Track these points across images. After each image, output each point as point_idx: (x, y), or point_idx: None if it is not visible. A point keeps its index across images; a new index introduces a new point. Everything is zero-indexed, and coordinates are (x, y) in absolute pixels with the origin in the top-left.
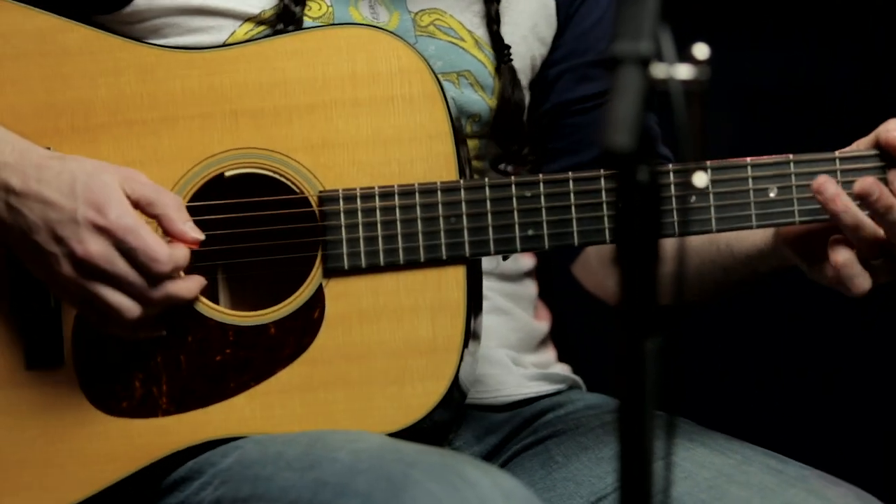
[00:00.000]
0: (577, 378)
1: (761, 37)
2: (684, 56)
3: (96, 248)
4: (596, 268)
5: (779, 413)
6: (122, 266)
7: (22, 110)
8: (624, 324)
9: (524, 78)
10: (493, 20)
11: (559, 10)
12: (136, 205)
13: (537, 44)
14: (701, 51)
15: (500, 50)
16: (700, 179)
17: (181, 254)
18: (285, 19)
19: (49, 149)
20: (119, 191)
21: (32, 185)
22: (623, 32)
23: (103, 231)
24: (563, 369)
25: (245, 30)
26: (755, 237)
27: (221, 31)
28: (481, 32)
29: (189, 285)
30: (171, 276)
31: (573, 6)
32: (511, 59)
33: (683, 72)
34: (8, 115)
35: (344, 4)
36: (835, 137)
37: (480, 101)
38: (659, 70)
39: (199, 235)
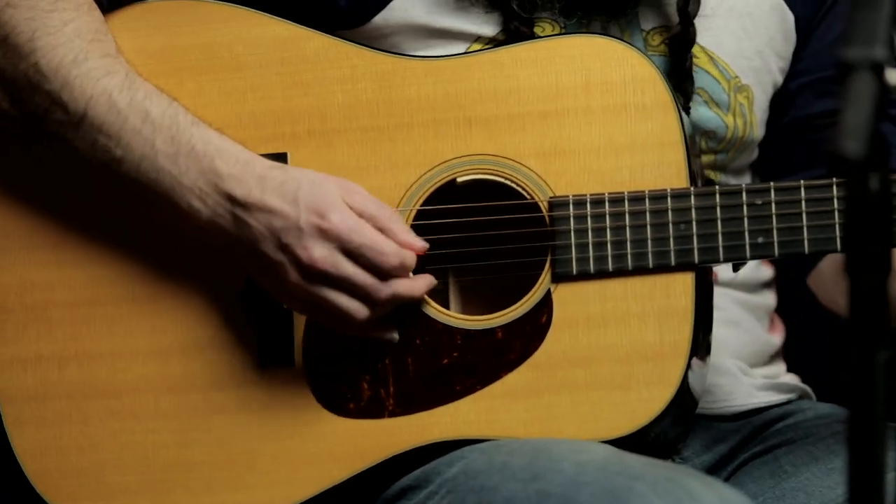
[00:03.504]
0: (807, 387)
1: None
2: None
3: (320, 253)
4: (829, 281)
5: None
6: (347, 268)
7: (262, 116)
8: (854, 335)
9: (762, 93)
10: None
11: (799, 24)
12: (359, 216)
13: (774, 57)
14: None
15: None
16: None
17: (408, 254)
18: (518, 39)
19: (286, 154)
20: (340, 198)
21: (256, 194)
22: (856, 38)
23: (327, 234)
24: (792, 379)
25: (478, 47)
26: None
27: (456, 49)
28: (709, 44)
29: (416, 284)
30: (398, 275)
31: (815, 20)
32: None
33: None
34: (248, 120)
35: (575, 27)
36: None
37: (716, 118)
38: (893, 76)
39: (423, 244)
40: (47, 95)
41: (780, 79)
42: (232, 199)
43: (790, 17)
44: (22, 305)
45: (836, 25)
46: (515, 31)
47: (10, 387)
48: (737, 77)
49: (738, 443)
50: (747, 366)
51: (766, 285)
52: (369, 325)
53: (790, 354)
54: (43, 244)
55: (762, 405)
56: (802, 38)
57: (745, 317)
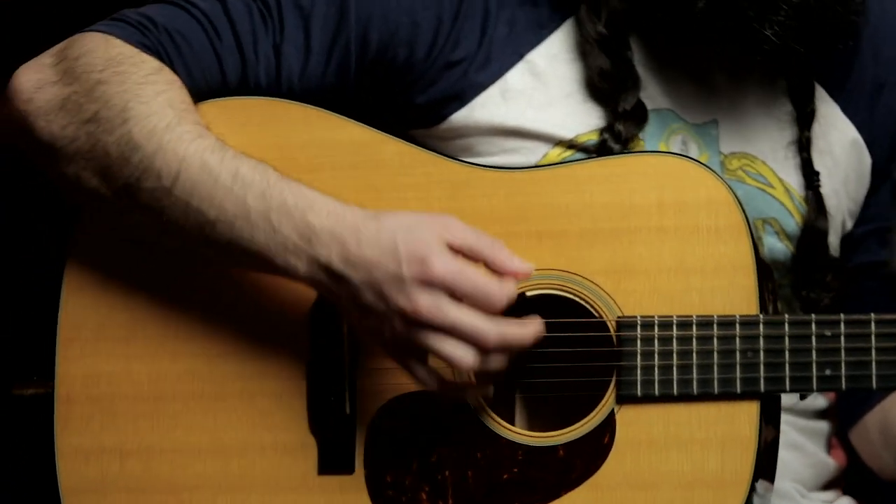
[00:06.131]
0: None
1: None
2: None
3: (425, 302)
4: (875, 437)
5: None
6: (453, 312)
7: None
8: None
9: (833, 232)
10: (803, 147)
11: (875, 169)
12: (459, 252)
13: (846, 199)
14: None
15: (809, 175)
16: None
17: (512, 288)
18: (602, 153)
19: None
20: (439, 242)
21: (353, 248)
22: None
23: (431, 283)
24: (849, 502)
25: (557, 152)
26: None
27: (533, 153)
28: (793, 182)
29: (526, 329)
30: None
31: (890, 168)
32: (819, 186)
33: None
34: None
35: (655, 139)
36: None
37: (784, 249)
38: None
39: (530, 267)
40: (139, 163)
41: (850, 222)
42: (327, 255)
43: (868, 160)
44: (88, 397)
45: None
46: (604, 144)
47: (72, 477)
48: None
49: None
50: (805, 489)
51: (821, 414)
52: (478, 376)
53: (847, 475)
54: (112, 337)
55: None
56: (876, 184)
57: (805, 441)
